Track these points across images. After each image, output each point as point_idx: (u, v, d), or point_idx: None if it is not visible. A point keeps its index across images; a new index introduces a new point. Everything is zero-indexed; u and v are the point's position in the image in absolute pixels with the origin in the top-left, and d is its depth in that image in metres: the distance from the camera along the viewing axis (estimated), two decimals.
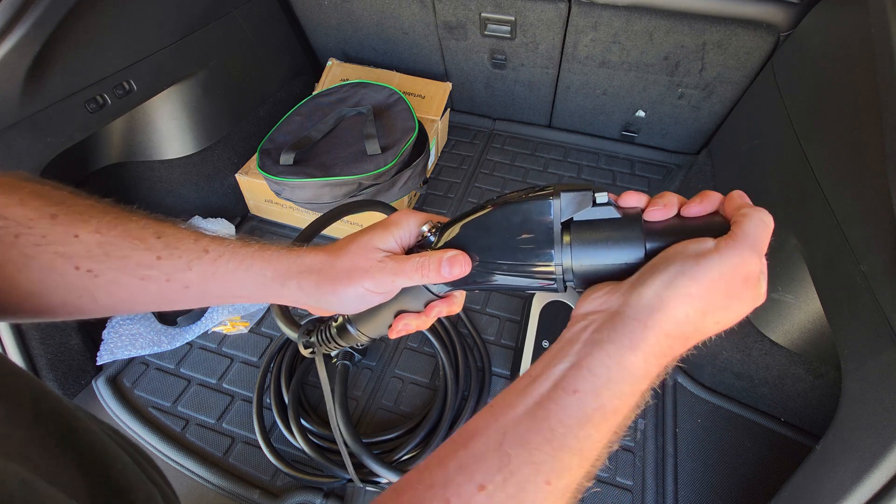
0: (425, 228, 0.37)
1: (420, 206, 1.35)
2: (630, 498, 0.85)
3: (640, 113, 1.38)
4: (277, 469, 0.88)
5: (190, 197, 1.23)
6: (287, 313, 0.49)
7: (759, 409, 0.93)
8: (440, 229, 0.37)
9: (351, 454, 0.85)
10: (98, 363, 1.01)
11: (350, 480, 0.82)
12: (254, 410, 0.94)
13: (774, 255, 0.83)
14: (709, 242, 0.29)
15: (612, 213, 0.31)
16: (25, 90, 0.85)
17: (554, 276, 0.32)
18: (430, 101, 1.40)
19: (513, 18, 1.24)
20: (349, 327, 0.42)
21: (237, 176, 1.25)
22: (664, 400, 0.97)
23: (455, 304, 0.40)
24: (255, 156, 1.19)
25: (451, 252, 0.34)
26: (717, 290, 0.28)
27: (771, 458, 0.88)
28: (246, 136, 1.31)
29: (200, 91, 1.18)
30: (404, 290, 0.37)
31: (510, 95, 1.49)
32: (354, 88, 1.33)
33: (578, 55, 1.28)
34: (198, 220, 1.22)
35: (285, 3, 1.45)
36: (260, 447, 0.90)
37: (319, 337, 0.44)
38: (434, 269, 0.34)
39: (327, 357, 0.99)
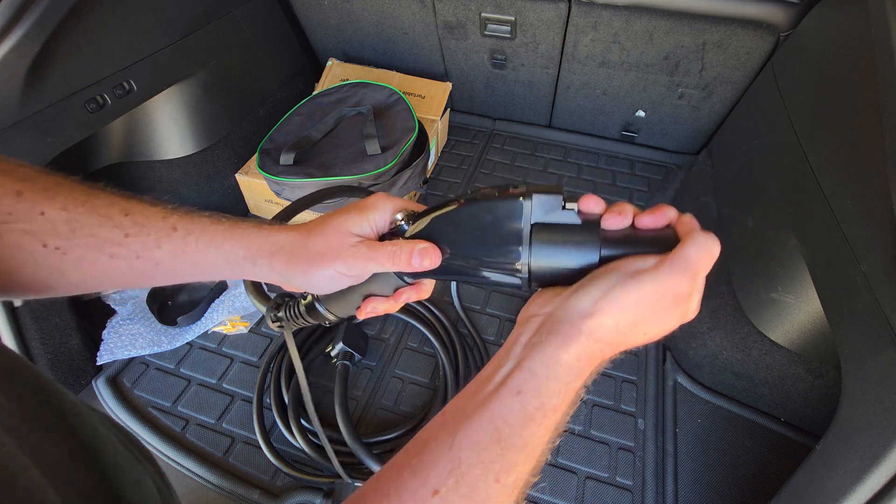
0: (399, 217, 0.38)
1: None
2: (630, 498, 0.85)
3: (640, 113, 1.38)
4: (277, 469, 0.88)
5: (190, 197, 1.23)
6: (258, 287, 0.49)
7: (759, 409, 0.93)
8: (413, 218, 0.37)
9: (350, 453, 0.85)
10: (98, 363, 1.01)
11: (339, 477, 0.82)
12: (254, 410, 0.94)
13: (774, 255, 0.83)
14: (649, 261, 0.31)
15: (573, 217, 0.32)
16: (25, 90, 0.85)
17: (520, 275, 0.33)
18: (430, 101, 1.40)
19: (513, 18, 1.24)
20: (317, 306, 0.43)
21: (237, 176, 1.25)
22: (664, 400, 0.97)
23: (424, 291, 0.41)
24: (255, 156, 1.19)
25: (423, 244, 0.35)
26: (646, 306, 0.30)
27: (771, 458, 0.88)
28: (246, 136, 1.31)
29: (200, 91, 1.18)
30: (375, 275, 0.38)
31: (510, 95, 1.49)
32: (354, 88, 1.33)
33: (578, 55, 1.28)
34: None
35: (285, 3, 1.45)
36: (260, 447, 0.90)
37: (288, 312, 0.45)
38: (405, 260, 0.35)
39: (327, 357, 0.99)
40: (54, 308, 0.94)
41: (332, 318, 0.43)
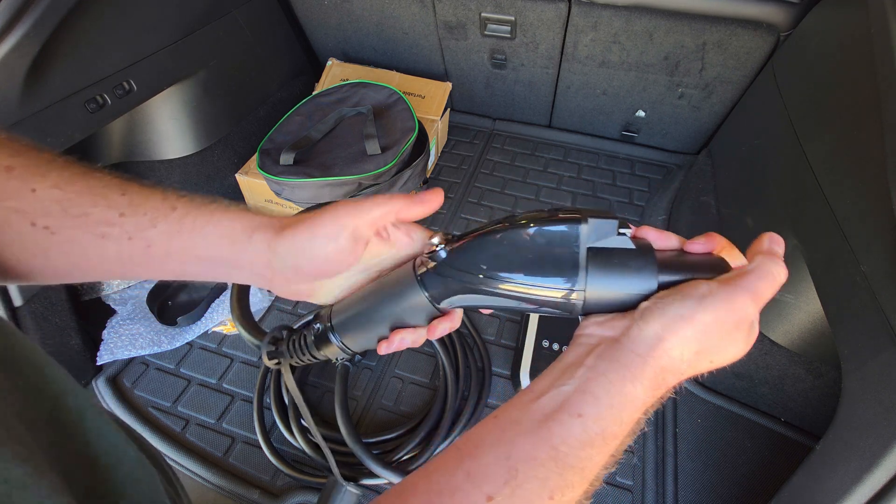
0: (436, 241, 0.35)
1: None
2: (630, 498, 0.85)
3: (640, 113, 1.38)
4: (277, 469, 0.88)
5: None
6: (248, 318, 0.45)
7: (759, 409, 0.93)
8: (451, 241, 0.35)
9: (350, 454, 0.85)
10: (98, 363, 1.01)
11: (331, 473, 0.82)
12: (254, 410, 0.94)
13: None
14: (707, 286, 0.30)
15: (628, 243, 0.32)
16: (25, 90, 0.85)
17: (574, 301, 0.32)
18: (430, 101, 1.40)
19: (513, 18, 1.24)
20: (331, 336, 0.38)
21: (237, 176, 1.25)
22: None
23: (456, 319, 0.39)
24: (255, 156, 1.19)
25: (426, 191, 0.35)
26: (710, 334, 0.30)
27: (771, 458, 0.88)
28: (246, 136, 1.31)
29: (200, 91, 1.18)
30: (403, 302, 0.36)
31: (510, 95, 1.49)
32: (354, 88, 1.33)
33: (578, 55, 1.28)
34: None
35: (285, 3, 1.45)
36: (260, 447, 0.90)
37: (291, 346, 0.41)
38: (417, 200, 0.35)
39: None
40: (54, 308, 0.94)
41: (344, 353, 0.39)
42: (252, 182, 1.23)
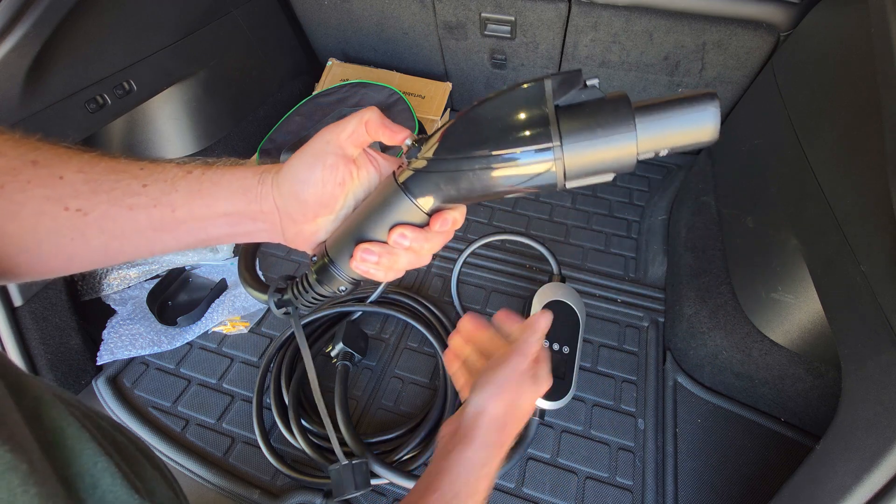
0: (409, 141, 0.36)
1: None
2: (630, 498, 0.85)
3: None
4: (277, 469, 0.88)
5: None
6: (254, 275, 0.46)
7: (759, 409, 0.93)
8: (422, 141, 0.35)
9: (350, 453, 0.85)
10: (98, 363, 1.01)
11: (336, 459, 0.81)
12: (254, 410, 0.94)
13: (774, 255, 0.83)
14: (496, 359, 0.46)
15: (596, 93, 0.30)
16: (25, 90, 0.85)
17: (552, 161, 0.30)
18: (430, 101, 1.40)
19: (513, 18, 1.24)
20: (330, 266, 0.38)
21: None
22: (664, 400, 0.97)
23: (461, 212, 0.38)
24: (256, 156, 1.19)
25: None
26: (508, 389, 0.43)
27: (771, 458, 0.88)
28: (246, 136, 1.31)
29: (200, 91, 1.18)
30: (389, 209, 0.35)
31: None
32: (354, 88, 1.33)
33: (578, 55, 1.28)
34: None
35: (285, 3, 1.45)
36: (260, 447, 0.90)
37: (295, 290, 0.41)
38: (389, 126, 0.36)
39: (327, 357, 0.99)
40: (54, 308, 0.94)
41: (347, 281, 0.39)
42: None
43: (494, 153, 0.30)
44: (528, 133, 0.30)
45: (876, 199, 0.61)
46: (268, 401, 0.95)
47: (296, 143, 1.17)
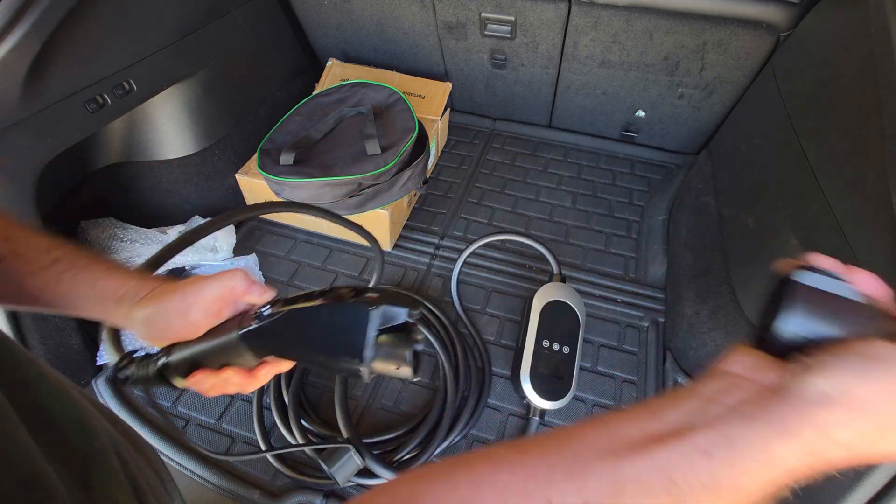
0: (266, 309, 0.41)
1: (420, 205, 1.35)
2: None
3: (640, 113, 1.38)
4: (277, 470, 0.88)
5: (190, 197, 1.23)
6: (116, 335, 0.50)
7: None
8: (275, 305, 0.41)
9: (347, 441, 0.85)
10: (98, 363, 1.01)
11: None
12: (254, 410, 0.94)
13: (774, 255, 0.83)
14: (887, 348, 0.26)
15: (418, 332, 0.39)
16: (25, 90, 0.85)
17: (361, 373, 0.37)
18: (430, 101, 1.40)
19: (513, 18, 1.24)
20: (167, 376, 0.45)
21: (237, 176, 1.25)
22: None
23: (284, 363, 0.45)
24: (255, 156, 1.19)
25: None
26: (891, 404, 0.25)
27: None
28: (246, 136, 1.31)
29: (200, 91, 1.18)
30: (228, 351, 0.42)
31: (510, 95, 1.49)
32: (354, 88, 1.33)
33: (578, 55, 1.28)
34: (197, 220, 1.22)
35: (285, 3, 1.45)
36: (260, 447, 0.90)
37: (135, 372, 0.46)
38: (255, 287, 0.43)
39: None
40: None
41: (179, 387, 0.46)
42: (252, 182, 1.23)
43: (315, 356, 0.39)
44: (345, 357, 0.37)
45: (876, 200, 0.61)
46: (268, 401, 0.95)
47: (296, 143, 1.17)
